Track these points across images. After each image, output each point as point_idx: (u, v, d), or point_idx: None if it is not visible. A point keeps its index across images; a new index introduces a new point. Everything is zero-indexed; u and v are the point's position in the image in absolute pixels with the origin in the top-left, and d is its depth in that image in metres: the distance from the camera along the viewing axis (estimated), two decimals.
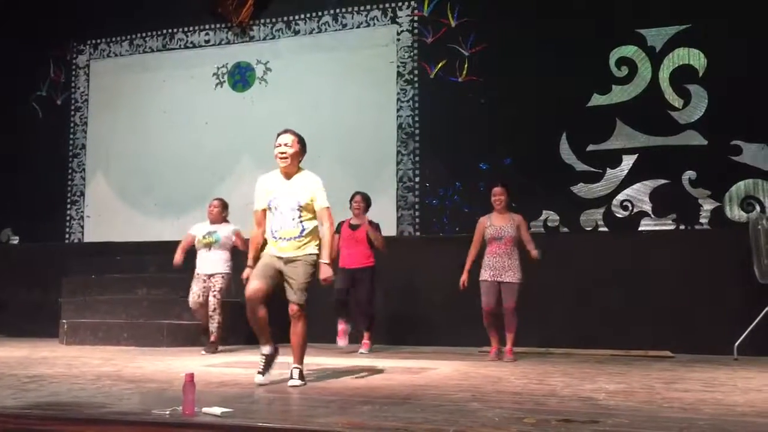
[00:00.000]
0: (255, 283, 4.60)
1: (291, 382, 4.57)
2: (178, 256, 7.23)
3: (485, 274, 6.40)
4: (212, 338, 7.09)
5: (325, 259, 4.70)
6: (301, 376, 4.64)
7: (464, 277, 6.40)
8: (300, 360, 4.69)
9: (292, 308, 4.65)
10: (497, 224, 6.46)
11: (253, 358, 6.28)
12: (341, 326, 7.04)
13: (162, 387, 4.49)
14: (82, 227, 9.83)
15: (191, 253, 7.40)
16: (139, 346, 7.50)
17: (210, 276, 7.19)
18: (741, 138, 7.44)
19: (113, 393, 4.21)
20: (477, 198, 8.13)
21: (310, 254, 4.69)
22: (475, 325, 7.38)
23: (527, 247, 6.37)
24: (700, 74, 7.67)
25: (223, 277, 7.18)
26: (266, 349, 4.74)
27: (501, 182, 6.68)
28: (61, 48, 10.09)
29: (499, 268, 6.35)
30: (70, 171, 9.96)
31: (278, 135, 4.80)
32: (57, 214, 9.87)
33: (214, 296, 7.11)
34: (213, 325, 7.09)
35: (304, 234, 4.67)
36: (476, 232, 6.56)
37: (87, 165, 9.92)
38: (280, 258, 4.68)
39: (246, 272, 4.79)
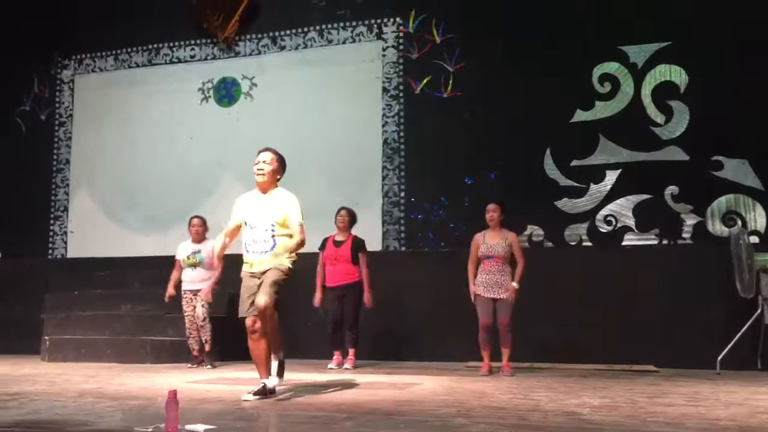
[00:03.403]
0: (248, 319, 4.73)
1: (269, 380, 4.70)
2: (170, 290, 7.32)
3: (479, 290, 6.47)
4: (207, 348, 7.21)
5: (289, 255, 4.79)
6: (280, 369, 4.78)
7: (472, 289, 6.49)
8: (277, 348, 4.77)
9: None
10: (490, 242, 6.52)
11: (237, 374, 6.26)
12: (337, 357, 7.10)
13: (145, 404, 4.45)
14: (65, 242, 9.76)
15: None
16: (123, 363, 7.43)
17: (195, 293, 7.27)
18: (722, 153, 7.53)
19: (95, 410, 4.17)
20: (462, 213, 8.18)
21: (282, 263, 4.76)
22: (460, 340, 7.41)
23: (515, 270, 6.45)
24: (682, 90, 7.77)
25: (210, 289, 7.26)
26: (266, 381, 4.76)
27: (496, 200, 6.70)
28: (45, 63, 10.05)
29: (492, 285, 6.42)
30: (53, 186, 9.90)
31: (258, 153, 4.97)
32: (40, 229, 9.79)
33: (202, 306, 7.20)
34: (206, 334, 7.19)
35: (275, 248, 4.75)
36: (471, 249, 6.60)
37: (71, 180, 9.86)
38: (254, 275, 4.78)
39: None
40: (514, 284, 6.38)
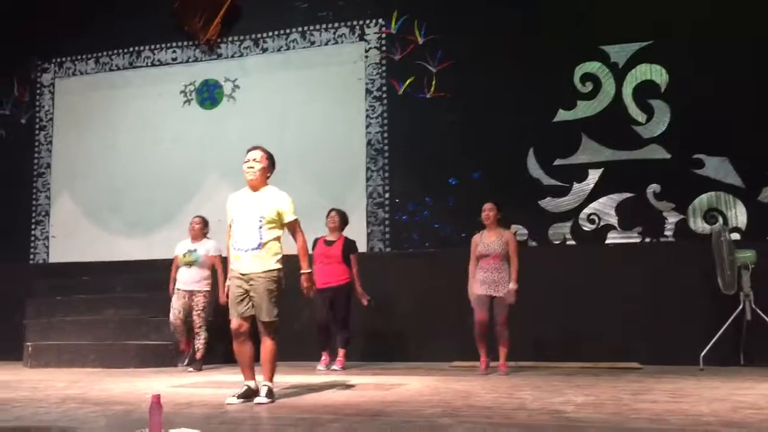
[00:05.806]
0: (235, 321, 4.75)
1: (258, 399, 4.59)
2: (172, 288, 7.35)
3: (477, 288, 6.47)
4: (198, 356, 7.20)
5: (304, 269, 4.86)
6: (269, 394, 4.64)
7: (472, 289, 6.52)
8: (269, 377, 4.71)
9: (261, 326, 4.73)
10: (486, 241, 6.54)
11: (223, 378, 6.23)
12: (325, 357, 7.09)
13: (128, 409, 4.41)
14: (47, 247, 9.67)
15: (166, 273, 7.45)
16: (107, 368, 7.37)
17: (190, 294, 7.25)
18: (703, 152, 7.59)
19: (78, 416, 4.13)
20: (447, 213, 8.20)
21: (271, 270, 4.72)
22: (446, 340, 7.43)
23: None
24: (662, 89, 7.83)
25: (204, 295, 7.27)
26: (250, 383, 4.74)
27: (493, 199, 6.71)
28: (25, 67, 9.97)
29: (489, 283, 6.44)
30: (34, 190, 9.81)
31: (248, 151, 4.95)
32: (21, 234, 9.69)
33: (198, 315, 7.21)
34: (200, 341, 7.20)
35: (261, 245, 4.72)
36: (471, 249, 6.62)
37: (52, 184, 9.77)
38: (242, 277, 4.74)
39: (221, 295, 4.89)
40: (512, 285, 6.37)
